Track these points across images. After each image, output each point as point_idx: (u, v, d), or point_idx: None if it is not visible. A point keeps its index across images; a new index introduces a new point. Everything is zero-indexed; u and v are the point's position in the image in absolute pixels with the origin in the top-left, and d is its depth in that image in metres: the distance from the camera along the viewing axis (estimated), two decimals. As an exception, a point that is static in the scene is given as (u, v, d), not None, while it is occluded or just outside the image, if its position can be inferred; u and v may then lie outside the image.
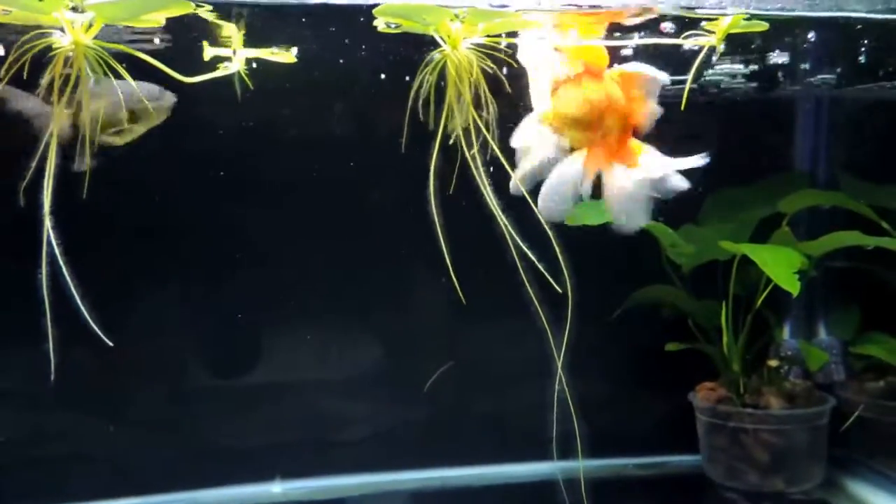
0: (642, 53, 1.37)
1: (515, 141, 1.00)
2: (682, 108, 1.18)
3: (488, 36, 0.99)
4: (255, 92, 1.22)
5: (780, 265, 1.39)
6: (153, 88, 1.22)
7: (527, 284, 1.11)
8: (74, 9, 0.87)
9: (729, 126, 1.80)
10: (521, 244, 1.06)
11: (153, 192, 1.59)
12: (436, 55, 0.97)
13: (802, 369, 1.76)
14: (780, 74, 1.80)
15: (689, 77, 1.10)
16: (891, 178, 1.72)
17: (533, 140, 1.00)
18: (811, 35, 1.73)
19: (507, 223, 1.04)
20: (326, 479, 1.71)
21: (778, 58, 1.77)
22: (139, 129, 1.24)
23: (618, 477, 1.77)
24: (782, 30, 1.65)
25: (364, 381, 1.76)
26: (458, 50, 0.96)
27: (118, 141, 1.24)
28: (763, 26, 1.10)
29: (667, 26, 1.18)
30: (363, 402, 1.74)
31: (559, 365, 1.18)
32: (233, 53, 1.06)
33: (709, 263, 1.65)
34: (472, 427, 1.77)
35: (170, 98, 1.22)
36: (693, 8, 1.41)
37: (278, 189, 1.65)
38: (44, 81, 0.92)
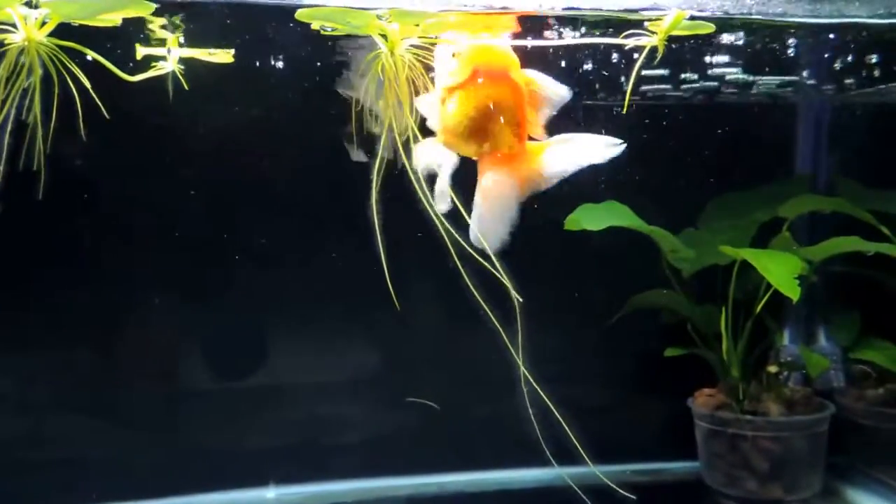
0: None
1: (415, 162, 0.97)
2: (624, 111, 1.17)
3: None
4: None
5: (781, 270, 1.38)
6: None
7: (473, 291, 1.09)
8: (28, 4, 0.85)
9: (729, 130, 1.79)
10: (450, 249, 1.04)
11: (145, 195, 1.58)
12: (375, 57, 0.95)
13: (802, 375, 1.75)
14: (780, 79, 1.80)
15: (631, 80, 1.08)
16: (891, 183, 1.72)
17: (434, 156, 0.97)
18: (812, 40, 1.72)
19: (446, 225, 1.02)
20: (321, 485, 1.69)
21: (778, 62, 1.77)
22: None
23: (615, 483, 1.75)
24: (784, 34, 1.64)
25: (359, 385, 1.74)
26: (396, 52, 0.93)
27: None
28: (709, 28, 1.07)
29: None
30: (358, 407, 1.73)
31: (520, 364, 1.15)
32: (167, 52, 1.04)
33: (708, 268, 1.64)
34: (469, 432, 1.75)
35: None
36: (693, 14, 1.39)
37: (273, 191, 1.64)
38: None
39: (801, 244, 1.60)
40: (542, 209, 1.67)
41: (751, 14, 1.36)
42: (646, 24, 1.01)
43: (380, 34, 0.93)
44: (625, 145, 0.97)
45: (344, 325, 1.69)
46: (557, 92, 0.93)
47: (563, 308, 1.77)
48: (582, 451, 1.25)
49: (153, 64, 1.04)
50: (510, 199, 0.93)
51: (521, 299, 1.06)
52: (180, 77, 1.06)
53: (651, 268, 1.68)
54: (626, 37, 1.01)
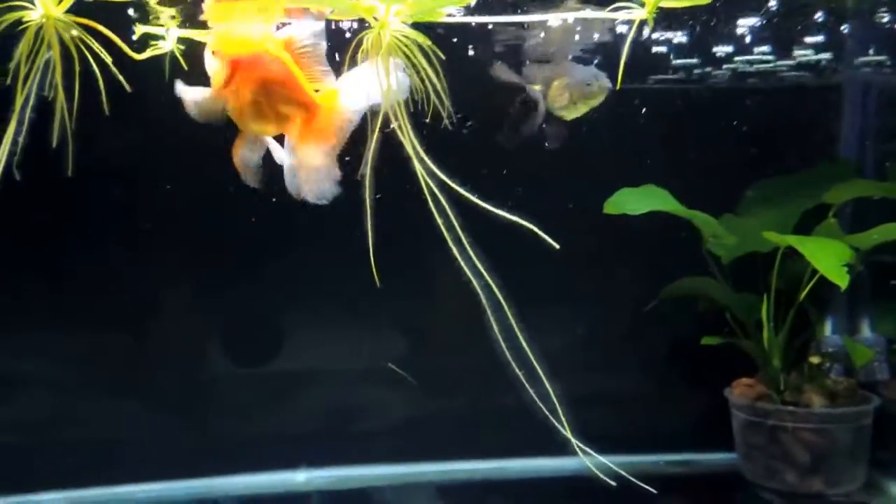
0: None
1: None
2: (618, 87, 1.14)
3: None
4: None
5: (829, 257, 1.33)
6: (590, 71, 1.37)
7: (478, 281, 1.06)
8: None
9: (771, 113, 1.73)
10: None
11: (177, 183, 1.56)
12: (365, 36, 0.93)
13: (844, 367, 1.70)
14: (825, 59, 1.74)
15: (623, 54, 1.04)
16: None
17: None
18: (859, 18, 1.66)
19: (448, 206, 1.00)
20: (351, 469, 1.68)
21: (822, 41, 1.70)
22: (582, 109, 1.37)
23: (650, 474, 1.72)
24: (829, 11, 1.58)
25: (390, 371, 1.72)
26: (384, 33, 0.92)
27: (567, 116, 1.38)
28: None
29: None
30: (389, 393, 1.71)
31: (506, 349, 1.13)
32: (165, 32, 1.02)
33: (747, 256, 1.59)
34: (499, 420, 1.73)
35: (605, 82, 1.35)
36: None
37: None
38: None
39: (845, 232, 1.55)
40: (577, 193, 1.65)
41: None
42: None
43: (373, 16, 0.93)
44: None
45: (376, 311, 1.66)
46: (310, 31, 0.92)
47: (598, 295, 1.74)
48: (574, 441, 1.20)
49: (152, 43, 1.02)
50: (322, 151, 0.94)
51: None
52: (179, 57, 1.05)
53: (686, 254, 1.64)
54: (614, 10, 0.98)
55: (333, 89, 0.94)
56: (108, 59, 0.92)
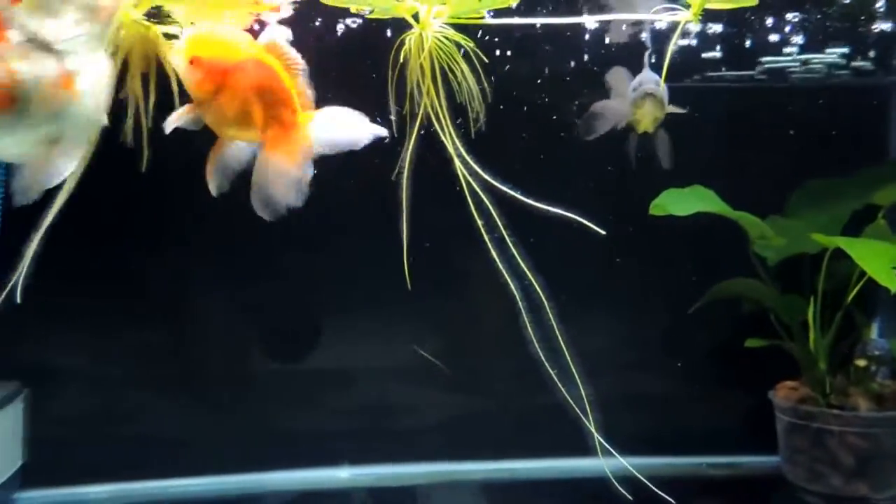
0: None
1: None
2: (663, 82, 1.14)
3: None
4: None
5: (878, 259, 1.32)
6: (649, 77, 1.34)
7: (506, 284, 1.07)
8: None
9: (819, 114, 1.72)
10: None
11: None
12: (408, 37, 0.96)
13: (891, 370, 1.68)
14: (874, 59, 1.72)
15: (668, 52, 1.05)
16: None
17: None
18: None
19: (492, 206, 1.02)
20: (394, 467, 1.70)
21: (869, 41, 1.69)
22: (643, 120, 1.36)
23: (692, 476, 1.72)
24: (878, 12, 1.56)
25: (432, 370, 1.74)
26: (426, 33, 0.94)
27: (637, 128, 1.39)
28: (751, 1, 1.02)
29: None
30: (433, 391, 1.73)
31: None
32: (180, 31, 1.04)
33: (793, 257, 1.58)
34: (543, 420, 1.74)
35: (650, 87, 1.32)
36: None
37: (333, 172, 1.64)
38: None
39: (894, 233, 1.53)
40: (622, 194, 1.65)
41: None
42: None
43: (411, 15, 0.95)
44: (386, 133, 0.96)
45: (421, 310, 1.67)
46: (284, 38, 0.92)
47: (642, 296, 1.74)
48: (603, 443, 1.21)
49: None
50: (289, 169, 0.94)
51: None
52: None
53: (731, 255, 1.64)
54: (657, 11, 0.99)
55: (311, 114, 0.93)
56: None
